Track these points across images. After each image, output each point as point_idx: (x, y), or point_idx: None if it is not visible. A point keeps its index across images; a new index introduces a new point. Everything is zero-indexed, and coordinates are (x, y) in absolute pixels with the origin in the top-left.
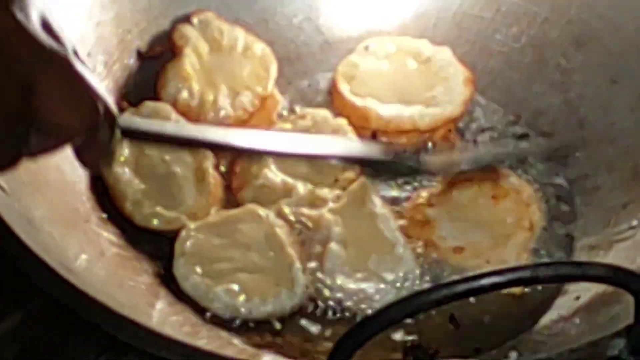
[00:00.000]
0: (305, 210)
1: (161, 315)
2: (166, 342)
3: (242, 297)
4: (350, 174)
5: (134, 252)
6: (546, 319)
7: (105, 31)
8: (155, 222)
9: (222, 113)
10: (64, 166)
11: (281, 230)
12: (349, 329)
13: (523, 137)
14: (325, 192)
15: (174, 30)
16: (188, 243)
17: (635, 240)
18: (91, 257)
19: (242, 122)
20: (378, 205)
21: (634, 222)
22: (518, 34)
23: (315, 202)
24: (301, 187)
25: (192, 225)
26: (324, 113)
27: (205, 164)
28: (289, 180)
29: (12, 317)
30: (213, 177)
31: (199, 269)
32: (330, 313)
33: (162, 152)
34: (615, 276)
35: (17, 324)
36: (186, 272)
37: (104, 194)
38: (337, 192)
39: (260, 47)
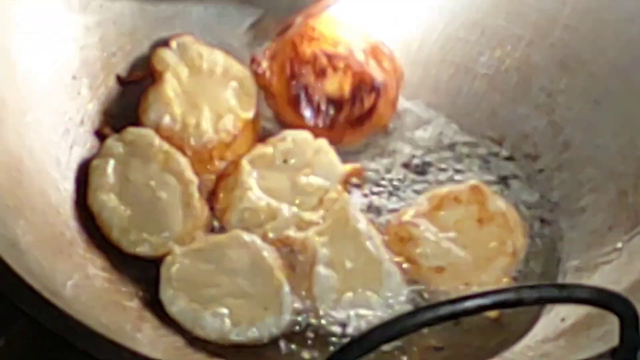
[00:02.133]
0: (291, 233)
1: (146, 338)
2: None
3: (229, 322)
4: (333, 194)
5: (120, 275)
6: (531, 340)
7: (90, 54)
8: (142, 248)
9: (206, 137)
10: (49, 190)
11: (268, 255)
12: (333, 353)
13: (508, 159)
14: (309, 214)
15: (153, 55)
16: (174, 268)
17: (620, 262)
18: (76, 281)
19: (226, 145)
20: (361, 222)
21: (619, 244)
22: (502, 57)
23: (300, 224)
24: (286, 210)
25: (177, 250)
26: (305, 135)
27: (191, 189)
28: (273, 202)
29: None
30: (199, 202)
31: (185, 294)
32: (319, 338)
33: (146, 177)
34: (599, 298)
35: (0, 347)
36: (173, 297)
37: (89, 218)
38: (322, 212)
39: (240, 69)
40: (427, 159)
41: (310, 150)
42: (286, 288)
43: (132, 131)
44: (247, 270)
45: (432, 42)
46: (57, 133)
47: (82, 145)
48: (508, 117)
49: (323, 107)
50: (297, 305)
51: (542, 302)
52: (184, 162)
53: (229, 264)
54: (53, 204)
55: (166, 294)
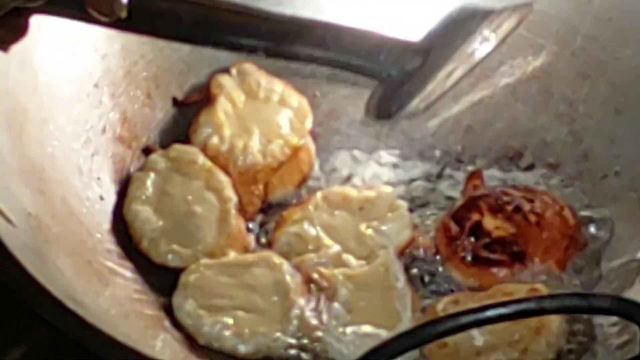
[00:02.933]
0: (322, 269)
1: (167, 347)
2: None
3: (230, 332)
4: (382, 250)
5: (143, 284)
6: None
7: (111, 63)
8: (171, 259)
9: (251, 159)
10: (71, 199)
11: (291, 279)
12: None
13: (529, 168)
14: (350, 258)
15: (212, 80)
16: (193, 276)
17: None
18: (97, 289)
19: (272, 171)
20: (401, 281)
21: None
22: (523, 66)
23: (338, 265)
24: (334, 249)
25: (203, 261)
26: (390, 190)
27: (229, 205)
28: (324, 237)
29: (17, 349)
30: (235, 219)
31: (195, 301)
32: None
33: (185, 191)
34: (620, 307)
35: (21, 356)
36: (183, 302)
37: (113, 227)
38: (363, 262)
39: (296, 99)
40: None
41: (388, 205)
42: (296, 310)
43: (177, 148)
44: (266, 288)
45: None
46: (78, 142)
47: (104, 154)
48: (529, 127)
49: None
50: (302, 329)
51: (564, 311)
52: (225, 180)
53: (250, 280)
54: (75, 213)
55: (177, 298)
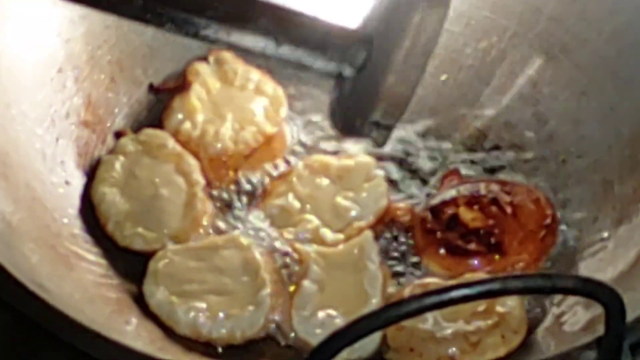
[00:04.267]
0: (297, 245)
1: (133, 331)
2: (138, 358)
3: (203, 317)
4: (361, 223)
5: (108, 268)
6: None
7: (75, 47)
8: (135, 243)
9: (222, 145)
10: (35, 183)
11: (260, 257)
12: (320, 342)
13: (494, 149)
14: (330, 234)
15: (189, 67)
16: (161, 263)
17: (606, 252)
18: (61, 273)
19: (243, 157)
20: (374, 263)
21: (605, 234)
22: (488, 48)
23: (317, 239)
24: (313, 221)
25: (171, 247)
26: (369, 161)
27: (196, 189)
28: (306, 210)
29: None
30: (201, 203)
31: (167, 288)
32: (290, 345)
33: (153, 174)
34: (584, 288)
35: None
36: (154, 290)
37: (78, 211)
38: (340, 236)
39: (272, 88)
40: (411, 152)
41: (365, 174)
42: (267, 289)
43: (147, 132)
44: (235, 269)
45: None
46: (42, 126)
47: (68, 138)
48: (493, 108)
49: None
50: (274, 309)
51: (528, 291)
52: (194, 164)
53: (219, 263)
54: (39, 198)
55: (148, 286)
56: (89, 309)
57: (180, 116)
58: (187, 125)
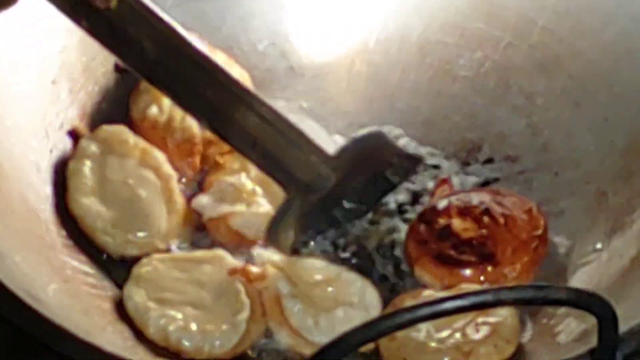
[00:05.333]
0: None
1: (129, 342)
2: None
3: (174, 325)
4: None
5: (102, 278)
6: None
7: (69, 58)
8: (129, 249)
9: (190, 132)
10: (29, 195)
11: (241, 283)
12: (311, 356)
13: (488, 161)
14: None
15: None
16: (145, 269)
17: (600, 263)
18: (57, 285)
19: (210, 143)
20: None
21: (599, 245)
22: (482, 59)
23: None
24: (263, 207)
25: (157, 255)
26: None
27: (171, 184)
28: (259, 193)
29: None
30: (180, 196)
31: (145, 293)
32: None
33: (124, 174)
34: (577, 299)
35: None
36: (133, 293)
37: (69, 222)
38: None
39: (237, 71)
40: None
41: None
42: (245, 314)
43: (105, 129)
44: (215, 286)
45: (411, 44)
46: (36, 138)
47: (62, 149)
48: (487, 119)
49: None
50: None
51: (521, 303)
52: (161, 157)
53: (200, 276)
54: (33, 209)
55: (128, 289)
56: (84, 320)
57: (147, 99)
58: (154, 110)
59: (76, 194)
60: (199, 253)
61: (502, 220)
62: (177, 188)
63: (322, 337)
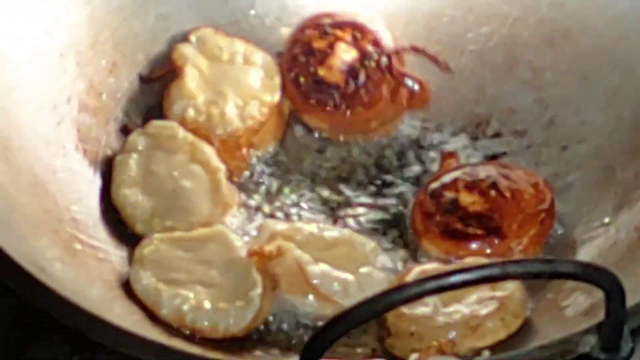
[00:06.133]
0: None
1: (122, 313)
2: (139, 341)
3: (188, 306)
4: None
5: (107, 254)
6: None
7: (77, 32)
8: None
9: (232, 126)
10: (37, 168)
11: (250, 258)
12: (320, 328)
13: (496, 135)
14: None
15: (173, 51)
16: (147, 249)
17: (608, 237)
18: (63, 258)
19: (254, 132)
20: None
21: (606, 219)
22: (489, 33)
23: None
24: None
25: (157, 235)
26: None
27: (219, 176)
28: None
29: None
30: (227, 188)
31: (153, 275)
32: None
33: (170, 167)
34: (585, 272)
35: None
36: (140, 275)
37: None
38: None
39: (260, 56)
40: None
41: None
42: (258, 289)
43: (155, 124)
44: (224, 264)
45: (419, 19)
46: (43, 111)
47: (69, 122)
48: (495, 94)
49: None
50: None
51: (528, 276)
52: (209, 151)
53: (207, 255)
54: (41, 182)
55: (134, 272)
56: (91, 293)
57: (182, 103)
58: (191, 112)
59: (119, 185)
60: (200, 231)
61: (508, 194)
62: (224, 180)
63: (353, 300)
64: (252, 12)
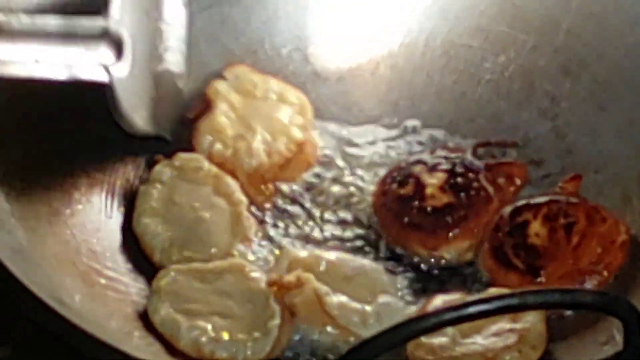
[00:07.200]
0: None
1: (154, 347)
2: None
3: (206, 337)
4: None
5: (125, 285)
6: None
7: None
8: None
9: (257, 160)
10: (53, 200)
11: (265, 287)
12: (338, 359)
13: None
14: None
15: (209, 87)
16: (164, 281)
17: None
18: (82, 289)
19: (279, 168)
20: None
21: None
22: (506, 62)
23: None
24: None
25: (174, 266)
26: None
27: (240, 208)
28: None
29: (2, 350)
30: (247, 221)
31: (171, 306)
32: None
33: (192, 198)
34: (603, 303)
35: (6, 355)
36: (158, 306)
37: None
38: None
39: (295, 95)
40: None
41: None
42: (277, 320)
43: (181, 156)
44: (241, 295)
45: (436, 48)
46: None
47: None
48: (512, 123)
49: None
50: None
51: (546, 307)
52: (233, 184)
53: (224, 287)
54: (57, 212)
55: (152, 303)
56: (109, 324)
57: (209, 138)
58: (219, 146)
59: (140, 214)
60: (217, 263)
61: (575, 241)
62: (245, 212)
63: (371, 330)
64: (268, 42)
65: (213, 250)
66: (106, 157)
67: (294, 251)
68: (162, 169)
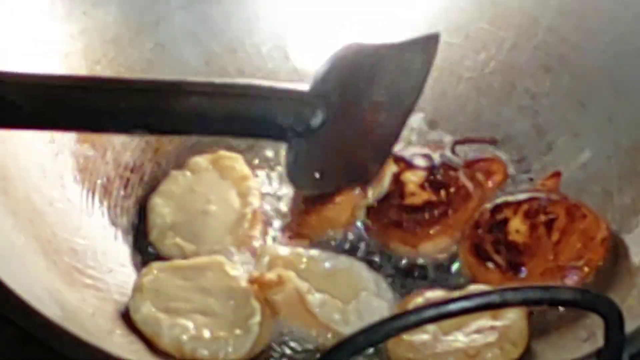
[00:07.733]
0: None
1: (137, 346)
2: None
3: (187, 335)
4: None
5: (106, 283)
6: None
7: (74, 63)
8: (174, 252)
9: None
10: (34, 197)
11: (246, 285)
12: (319, 357)
13: None
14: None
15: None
16: (146, 279)
17: None
18: (61, 287)
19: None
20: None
21: None
22: (486, 60)
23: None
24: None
25: (156, 264)
26: None
27: (247, 210)
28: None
29: None
30: (249, 223)
31: (152, 304)
32: None
33: (211, 191)
34: (584, 300)
35: None
36: (139, 305)
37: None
38: None
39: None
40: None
41: None
42: (257, 317)
43: (221, 153)
44: (222, 292)
45: None
46: (42, 141)
47: (67, 153)
48: (492, 120)
49: None
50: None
51: (526, 303)
52: (254, 187)
53: (205, 283)
54: (38, 211)
55: (134, 301)
56: (90, 323)
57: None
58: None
59: (158, 193)
60: (198, 260)
61: (555, 237)
62: (250, 216)
63: (352, 328)
64: (248, 40)
65: (204, 244)
66: (86, 158)
67: (275, 248)
68: (200, 161)
